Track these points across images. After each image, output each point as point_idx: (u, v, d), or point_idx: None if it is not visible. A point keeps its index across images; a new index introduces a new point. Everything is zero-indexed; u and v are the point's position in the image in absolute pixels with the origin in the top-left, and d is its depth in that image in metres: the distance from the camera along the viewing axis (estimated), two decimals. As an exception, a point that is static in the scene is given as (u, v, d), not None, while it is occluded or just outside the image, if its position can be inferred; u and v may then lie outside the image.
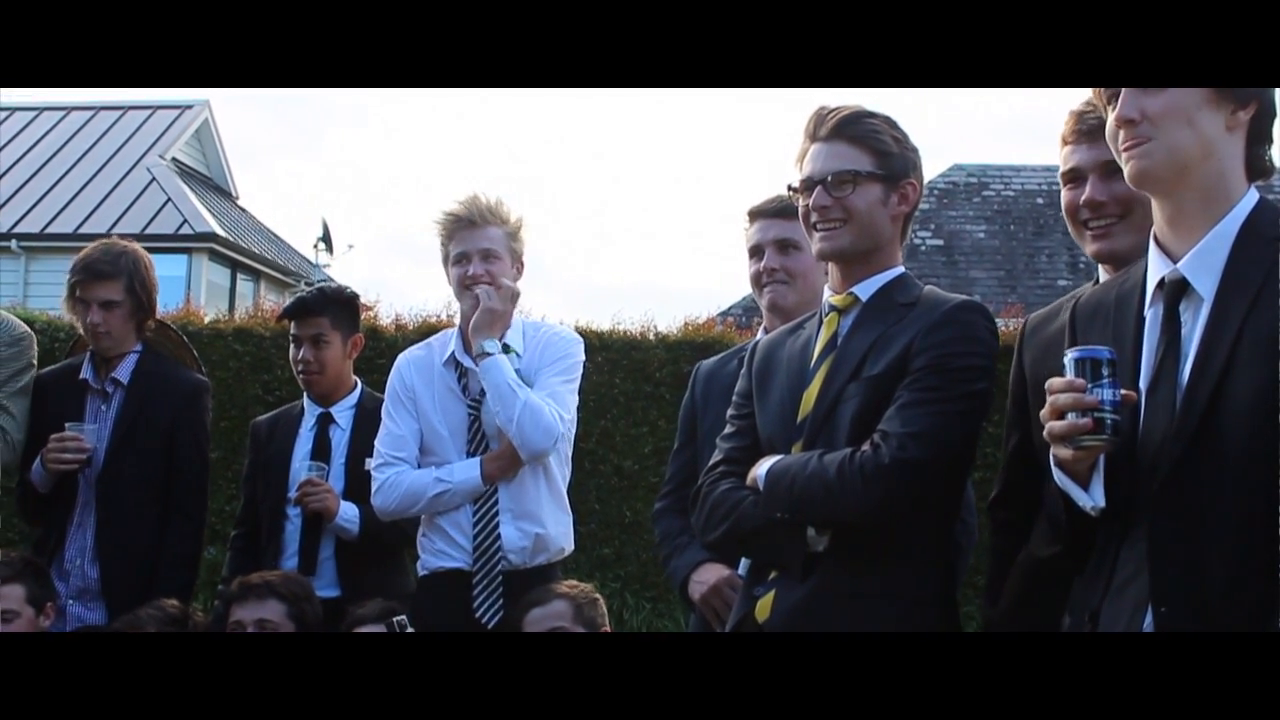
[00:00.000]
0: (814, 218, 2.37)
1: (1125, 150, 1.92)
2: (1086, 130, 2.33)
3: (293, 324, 3.83)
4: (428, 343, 3.54)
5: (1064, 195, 2.41)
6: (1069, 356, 1.87)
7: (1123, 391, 1.84)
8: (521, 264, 3.44)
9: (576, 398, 3.43)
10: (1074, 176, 2.37)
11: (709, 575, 2.84)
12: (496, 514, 3.30)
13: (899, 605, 2.20)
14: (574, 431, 3.48)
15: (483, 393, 3.31)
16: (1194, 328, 1.86)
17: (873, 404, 2.23)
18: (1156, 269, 1.94)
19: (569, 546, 3.45)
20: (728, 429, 2.50)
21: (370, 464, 3.45)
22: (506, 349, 3.31)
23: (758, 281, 3.08)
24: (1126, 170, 1.94)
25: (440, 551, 3.34)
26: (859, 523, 2.18)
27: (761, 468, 2.30)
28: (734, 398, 2.54)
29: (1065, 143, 2.39)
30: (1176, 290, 1.89)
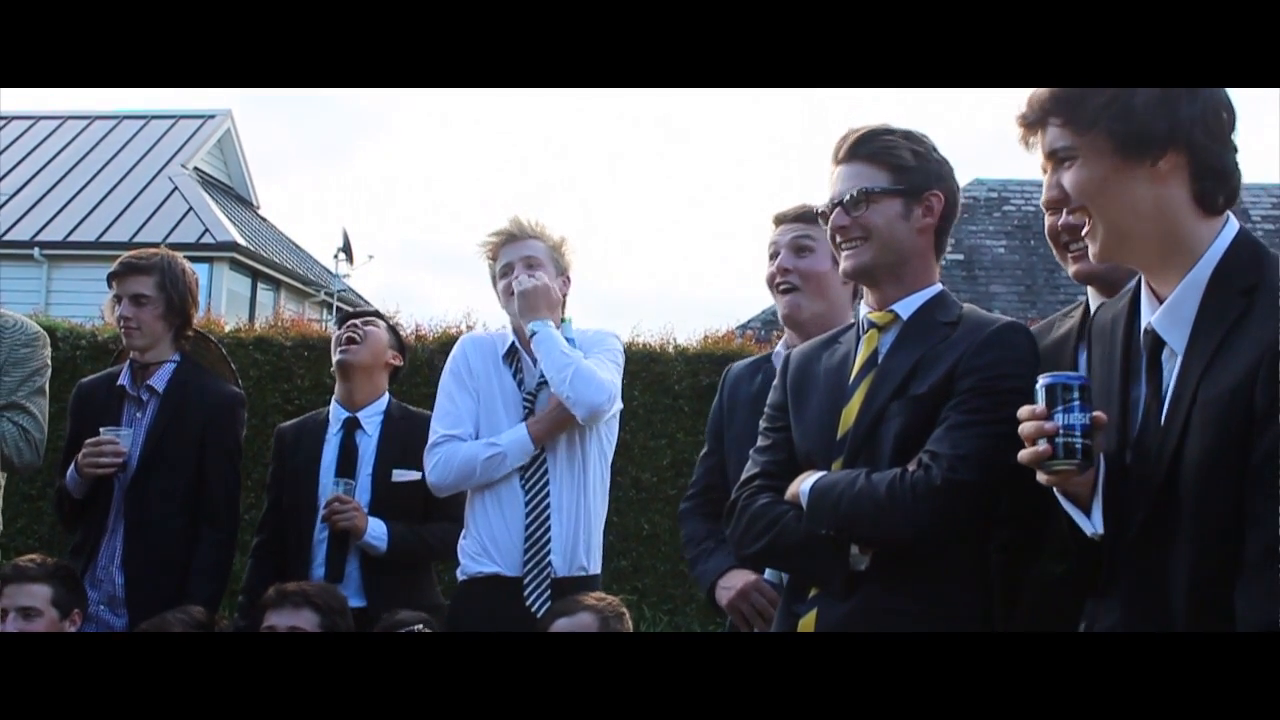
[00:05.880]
0: (838, 238, 2.42)
1: (1080, 239, 1.97)
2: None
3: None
4: (490, 333, 3.63)
5: (1047, 221, 2.46)
6: (1039, 383, 1.91)
7: (1094, 414, 1.87)
8: (568, 278, 3.52)
9: (620, 382, 3.46)
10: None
11: (736, 580, 2.84)
12: (549, 514, 3.33)
13: (944, 625, 2.17)
14: (614, 439, 3.55)
15: (538, 387, 3.36)
16: (1170, 381, 1.88)
17: (916, 424, 2.23)
18: (1145, 313, 1.95)
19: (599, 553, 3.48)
20: (762, 441, 2.49)
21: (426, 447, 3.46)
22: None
23: (771, 283, 3.08)
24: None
25: (481, 555, 3.35)
26: (909, 542, 2.17)
27: (805, 483, 2.28)
28: (767, 409, 2.52)
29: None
30: (1156, 343, 1.92)
